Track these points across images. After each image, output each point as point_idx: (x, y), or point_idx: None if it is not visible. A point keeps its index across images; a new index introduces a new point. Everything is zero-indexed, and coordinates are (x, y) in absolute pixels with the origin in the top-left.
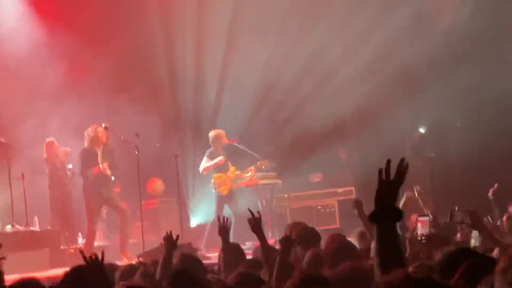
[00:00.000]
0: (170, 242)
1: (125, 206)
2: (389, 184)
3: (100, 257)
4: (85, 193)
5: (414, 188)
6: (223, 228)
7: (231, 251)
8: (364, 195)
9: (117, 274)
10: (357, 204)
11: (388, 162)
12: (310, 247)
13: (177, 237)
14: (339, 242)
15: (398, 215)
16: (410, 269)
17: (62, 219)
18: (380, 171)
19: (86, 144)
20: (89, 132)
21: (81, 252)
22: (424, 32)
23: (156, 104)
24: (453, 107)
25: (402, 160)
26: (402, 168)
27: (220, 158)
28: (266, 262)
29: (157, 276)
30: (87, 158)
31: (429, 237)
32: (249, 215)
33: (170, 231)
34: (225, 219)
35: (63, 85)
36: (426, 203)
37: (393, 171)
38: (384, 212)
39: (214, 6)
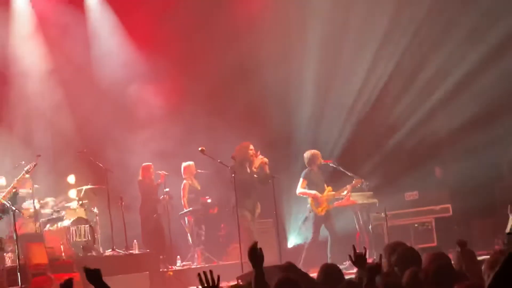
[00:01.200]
0: (255, 256)
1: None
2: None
3: (216, 280)
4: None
5: None
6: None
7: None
8: (461, 211)
9: None
10: (461, 244)
11: None
12: (408, 266)
13: (260, 250)
14: (438, 263)
15: None
16: None
17: (157, 242)
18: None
19: (236, 164)
20: (240, 151)
21: (199, 275)
22: None
23: (251, 126)
24: None
25: None
26: None
27: (315, 192)
28: None
29: None
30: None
31: None
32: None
33: (251, 247)
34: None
35: (159, 109)
36: None
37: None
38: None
39: (308, 24)
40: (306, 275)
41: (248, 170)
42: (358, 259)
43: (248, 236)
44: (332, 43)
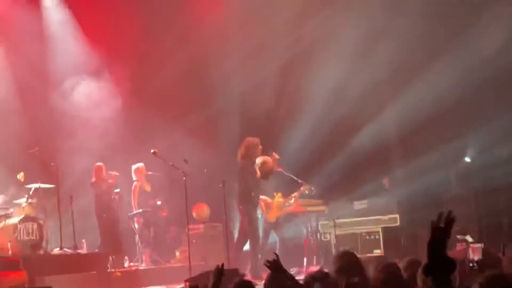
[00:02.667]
0: (219, 274)
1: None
2: (440, 233)
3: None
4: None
5: None
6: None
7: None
8: (408, 222)
9: None
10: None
11: (440, 215)
12: (353, 276)
13: (223, 265)
14: (388, 271)
15: (452, 266)
16: None
17: (110, 243)
18: (433, 223)
19: (243, 157)
20: (249, 149)
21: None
22: (468, 59)
23: (205, 130)
24: (499, 136)
25: (450, 212)
26: (450, 220)
27: (265, 198)
28: None
29: None
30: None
31: (480, 263)
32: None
33: (222, 265)
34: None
35: (112, 108)
36: (471, 232)
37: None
38: (439, 263)
39: (266, 24)
40: None
41: (257, 169)
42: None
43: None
44: (289, 48)
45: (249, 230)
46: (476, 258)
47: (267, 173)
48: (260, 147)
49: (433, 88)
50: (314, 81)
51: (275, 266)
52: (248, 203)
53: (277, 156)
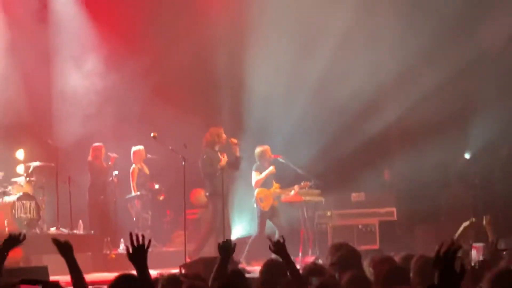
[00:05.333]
0: (226, 250)
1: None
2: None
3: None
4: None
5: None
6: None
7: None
8: (405, 216)
9: (160, 284)
10: None
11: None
12: (349, 268)
13: (234, 245)
14: (390, 266)
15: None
16: None
17: (102, 224)
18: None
19: (206, 145)
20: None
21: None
22: (471, 54)
23: (205, 115)
24: (500, 134)
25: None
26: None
27: (271, 168)
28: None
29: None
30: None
31: (482, 263)
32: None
33: (228, 240)
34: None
35: (114, 92)
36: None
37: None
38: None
39: (265, 21)
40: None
41: (220, 156)
42: (277, 247)
43: (209, 229)
44: (290, 42)
45: (210, 218)
46: (480, 258)
47: (233, 162)
48: (224, 136)
49: (434, 83)
50: (315, 70)
51: (280, 250)
52: (211, 192)
53: (235, 141)
